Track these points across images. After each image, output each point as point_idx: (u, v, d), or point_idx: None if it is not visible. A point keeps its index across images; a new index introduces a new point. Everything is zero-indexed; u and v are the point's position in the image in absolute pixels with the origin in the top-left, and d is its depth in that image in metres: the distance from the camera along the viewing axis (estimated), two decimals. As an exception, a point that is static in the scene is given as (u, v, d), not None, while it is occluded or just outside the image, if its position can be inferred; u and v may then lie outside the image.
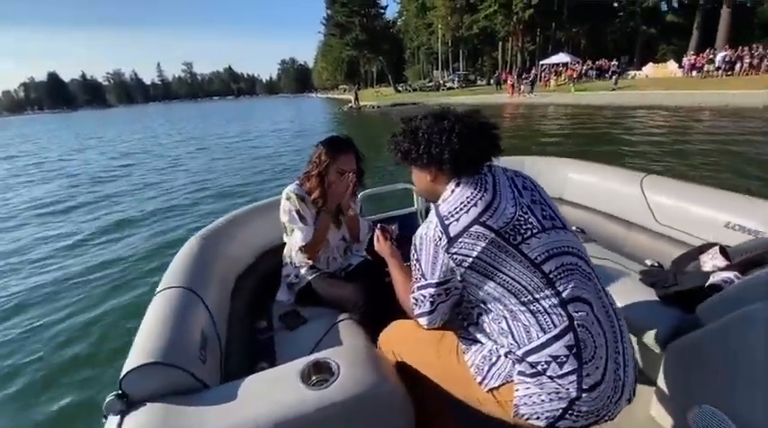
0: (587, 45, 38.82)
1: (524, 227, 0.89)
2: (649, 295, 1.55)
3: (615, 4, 34.17)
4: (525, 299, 0.87)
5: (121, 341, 2.90)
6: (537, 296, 0.87)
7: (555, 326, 0.86)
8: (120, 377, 0.93)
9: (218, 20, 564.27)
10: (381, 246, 1.27)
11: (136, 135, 23.60)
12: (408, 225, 1.58)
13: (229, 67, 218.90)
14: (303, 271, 1.72)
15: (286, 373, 1.00)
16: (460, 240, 0.88)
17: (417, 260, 0.98)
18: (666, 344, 1.32)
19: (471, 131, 0.96)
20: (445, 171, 0.98)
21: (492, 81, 34.94)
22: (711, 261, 1.56)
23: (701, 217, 1.82)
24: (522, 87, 24.49)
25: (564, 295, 0.87)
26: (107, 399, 0.91)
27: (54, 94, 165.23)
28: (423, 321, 1.04)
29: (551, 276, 0.88)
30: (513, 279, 0.88)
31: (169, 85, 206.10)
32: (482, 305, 0.96)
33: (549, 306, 0.86)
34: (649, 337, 1.41)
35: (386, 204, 2.78)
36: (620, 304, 1.44)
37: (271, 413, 0.89)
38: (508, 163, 1.12)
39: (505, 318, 0.91)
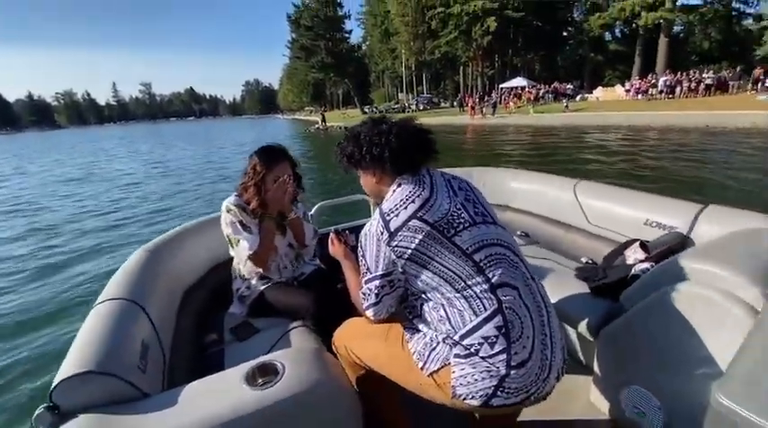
0: (541, 70, 41.30)
1: (457, 221, 0.98)
2: (583, 289, 1.69)
3: (565, 34, 36.66)
4: (459, 286, 0.95)
5: (57, 353, 2.81)
6: (469, 282, 0.95)
7: (485, 309, 0.94)
8: (51, 388, 0.90)
9: (179, 40, 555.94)
10: (336, 249, 1.29)
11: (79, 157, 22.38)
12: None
13: (191, 88, 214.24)
14: (254, 281, 1.71)
15: (230, 377, 0.98)
16: (400, 233, 0.96)
17: (363, 255, 1.05)
18: (598, 332, 1.42)
19: (408, 134, 1.05)
20: (387, 170, 1.05)
21: (455, 103, 36.14)
22: (634, 255, 1.73)
23: (626, 216, 2.01)
24: (483, 109, 25.45)
25: (493, 281, 0.96)
26: (36, 412, 0.87)
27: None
28: (370, 313, 1.10)
29: (481, 264, 0.96)
30: (447, 268, 0.96)
31: (125, 106, 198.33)
32: (423, 295, 1.03)
33: (480, 291, 0.95)
34: (583, 326, 1.51)
35: (343, 215, 2.87)
36: (557, 298, 1.56)
37: (213, 416, 0.87)
38: (457, 173, 1.17)
39: (443, 306, 0.98)
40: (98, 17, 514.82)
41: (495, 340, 0.93)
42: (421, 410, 1.20)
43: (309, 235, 1.85)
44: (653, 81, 22.56)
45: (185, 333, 1.55)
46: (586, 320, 1.51)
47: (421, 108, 38.16)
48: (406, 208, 0.99)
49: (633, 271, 1.63)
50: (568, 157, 10.77)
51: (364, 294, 1.09)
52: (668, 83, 21.11)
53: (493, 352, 0.92)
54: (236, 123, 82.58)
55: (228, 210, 1.64)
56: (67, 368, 0.94)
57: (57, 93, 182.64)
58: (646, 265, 1.62)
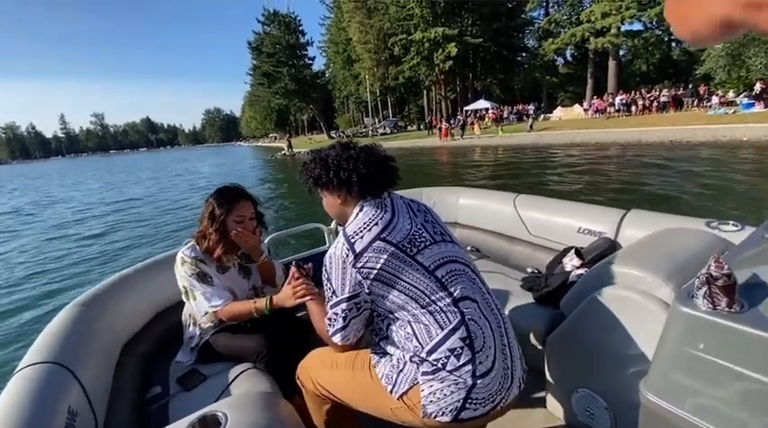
0: (500, 92, 42.98)
1: (419, 240, 1.02)
2: (528, 298, 1.76)
3: (519, 58, 38.34)
4: (424, 302, 0.98)
5: None
6: (433, 298, 0.98)
7: (450, 322, 0.96)
8: None
9: (135, 70, 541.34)
10: (299, 284, 1.26)
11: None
12: (321, 263, 1.57)
13: (147, 118, 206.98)
14: (205, 327, 1.59)
15: None
16: (365, 255, 0.97)
17: (328, 279, 1.03)
18: (545, 339, 1.45)
19: (376, 160, 1.07)
20: (353, 193, 1.06)
21: (422, 126, 36.47)
22: (570, 261, 1.79)
23: (561, 225, 2.08)
24: (452, 131, 25.50)
25: (455, 295, 0.99)
26: None
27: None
28: (337, 339, 1.06)
29: (443, 280, 1.00)
30: (412, 285, 0.98)
31: (75, 138, 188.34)
32: (389, 315, 1.02)
33: (444, 305, 0.97)
34: (531, 335, 1.55)
35: (296, 246, 2.83)
36: (508, 309, 1.64)
37: None
38: (407, 194, 1.23)
39: (410, 323, 0.99)
40: (49, 45, 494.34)
41: (460, 351, 0.95)
42: None
43: (279, 273, 1.73)
44: (610, 100, 23.52)
45: (125, 390, 1.43)
46: (534, 329, 1.55)
47: (388, 131, 38.27)
48: (369, 230, 1.00)
49: (571, 277, 1.68)
50: (546, 175, 10.61)
51: (330, 319, 1.06)
52: (624, 101, 22.07)
53: (459, 364, 0.94)
54: (198, 152, 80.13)
55: (183, 263, 1.51)
56: None
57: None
58: (581, 271, 1.67)
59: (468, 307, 0.99)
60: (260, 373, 1.48)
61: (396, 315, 1.01)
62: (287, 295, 1.35)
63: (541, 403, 1.56)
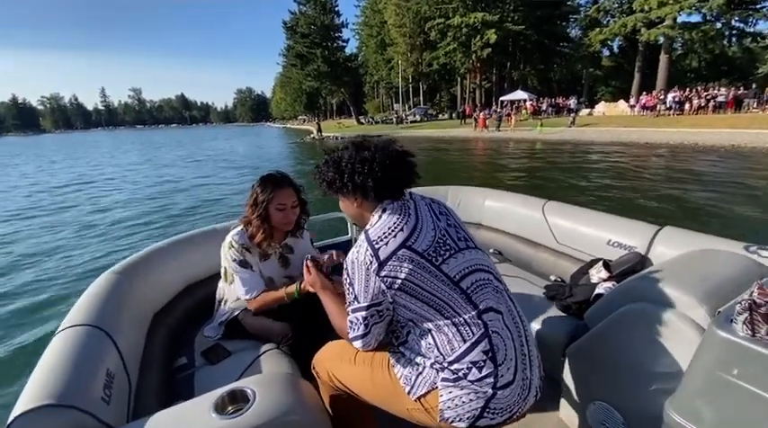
0: (537, 84, 41.17)
1: (443, 248, 0.98)
2: (551, 307, 1.77)
3: (561, 49, 36.41)
4: (448, 314, 0.94)
5: (16, 385, 2.67)
6: (457, 310, 0.94)
7: (473, 335, 0.94)
8: (7, 423, 0.86)
9: (171, 47, 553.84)
10: (312, 279, 1.25)
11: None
12: (344, 251, 1.65)
13: (182, 95, 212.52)
14: (237, 305, 1.65)
15: (198, 405, 0.95)
16: (390, 263, 0.93)
17: (350, 283, 1.00)
18: (565, 349, 1.45)
19: (392, 160, 1.01)
20: (369, 198, 1.02)
21: (454, 115, 35.46)
22: (597, 274, 1.79)
23: (590, 236, 2.07)
24: (487, 122, 24.48)
25: (480, 307, 0.96)
26: None
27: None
28: (358, 344, 1.04)
29: (468, 291, 0.96)
30: (436, 296, 0.94)
31: (114, 111, 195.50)
32: (410, 323, 1.00)
33: (469, 317, 0.94)
34: (551, 344, 1.53)
35: (320, 233, 2.76)
36: (527, 316, 1.57)
37: None
38: (432, 192, 1.34)
39: (431, 332, 0.96)
40: (89, 21, 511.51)
41: (482, 364, 0.93)
42: None
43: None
44: (661, 97, 21.98)
45: (154, 357, 1.48)
46: (555, 338, 1.53)
47: (418, 119, 37.41)
48: (395, 236, 0.96)
49: (597, 289, 1.67)
50: (585, 175, 9.83)
51: (352, 323, 1.04)
52: (677, 99, 20.53)
53: (481, 376, 0.93)
54: (229, 130, 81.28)
55: (230, 247, 1.56)
56: (25, 401, 0.89)
57: (43, 97, 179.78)
58: (608, 284, 1.67)
59: (492, 319, 0.97)
60: (283, 355, 1.50)
61: (417, 324, 0.99)
62: (315, 282, 1.47)
63: (555, 411, 1.56)
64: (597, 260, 1.88)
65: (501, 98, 32.24)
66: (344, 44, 41.66)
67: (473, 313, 0.95)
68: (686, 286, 1.18)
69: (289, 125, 76.40)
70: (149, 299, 1.69)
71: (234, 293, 1.61)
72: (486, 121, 24.23)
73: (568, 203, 2.41)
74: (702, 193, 7.88)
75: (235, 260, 1.56)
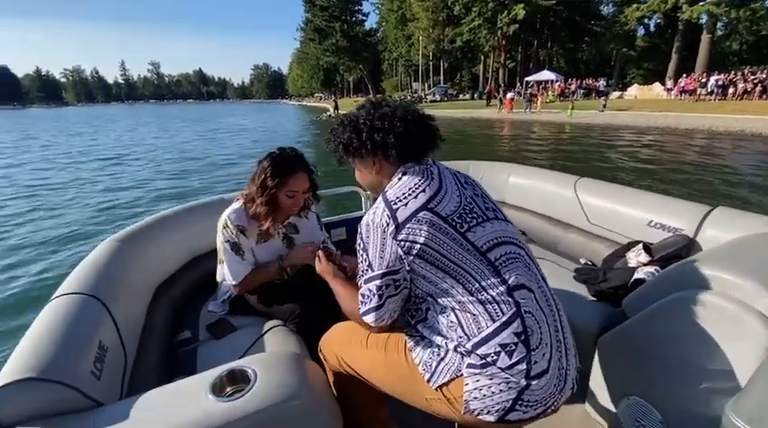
0: (563, 64, 39.28)
1: (470, 215, 0.89)
2: (582, 291, 1.63)
3: (592, 26, 34.33)
4: (473, 288, 0.85)
5: (2, 356, 2.48)
6: (484, 284, 0.85)
7: (503, 314, 0.84)
8: None
9: (190, 21, 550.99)
10: (323, 268, 1.20)
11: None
12: (356, 229, 1.52)
13: (200, 70, 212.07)
14: None
15: (195, 385, 0.89)
16: (409, 226, 0.85)
17: (364, 249, 0.91)
18: (597, 339, 1.35)
19: (414, 117, 0.94)
20: (391, 158, 0.94)
21: (476, 95, 34.18)
22: (636, 257, 1.65)
23: (628, 217, 1.89)
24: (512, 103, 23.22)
25: (510, 282, 0.86)
26: None
27: (4, 90, 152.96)
28: (370, 318, 0.95)
29: (497, 264, 0.86)
30: (460, 267, 0.85)
31: (134, 85, 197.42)
32: (429, 298, 0.91)
33: (497, 294, 0.84)
34: (582, 332, 1.38)
35: (333, 207, 2.78)
36: None
37: None
38: (453, 166, 1.07)
39: (454, 310, 0.87)
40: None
41: (513, 348, 0.83)
42: (409, 421, 1.17)
43: (318, 241, 1.64)
44: (702, 80, 20.47)
45: (155, 331, 1.42)
46: (586, 326, 1.42)
47: (438, 99, 36.21)
48: (415, 197, 0.88)
49: (636, 274, 1.53)
50: (619, 162, 9.04)
51: (364, 296, 0.94)
52: (720, 82, 19.06)
53: (512, 362, 0.82)
54: (246, 107, 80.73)
55: (225, 226, 1.43)
56: (9, 373, 0.84)
57: (65, 70, 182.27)
58: (650, 269, 1.53)
59: (525, 298, 0.86)
60: (289, 333, 1.44)
61: (437, 299, 0.89)
62: (297, 255, 1.47)
63: (580, 403, 1.46)
64: (636, 242, 1.73)
65: (527, 78, 30.74)
66: (364, 18, 40.41)
67: (502, 288, 0.84)
68: (749, 272, 1.04)
69: (305, 102, 75.73)
70: (152, 270, 1.61)
71: (224, 277, 1.50)
72: (511, 104, 22.96)
73: (604, 181, 2.22)
74: (756, 179, 7.15)
75: (227, 241, 1.44)
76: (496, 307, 0.84)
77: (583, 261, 1.98)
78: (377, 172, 0.97)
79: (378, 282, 0.90)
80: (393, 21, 45.73)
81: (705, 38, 25.49)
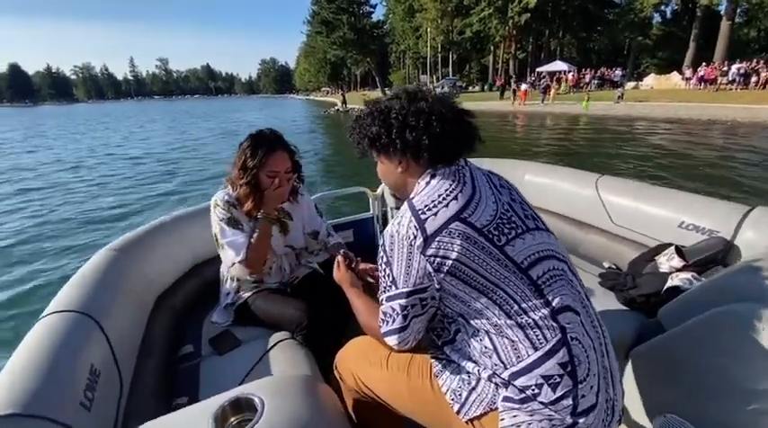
0: (575, 54, 38.36)
1: (508, 226, 0.79)
2: (609, 299, 1.56)
3: (605, 15, 33.33)
4: (512, 310, 0.75)
5: None
6: (525, 305, 0.75)
7: (546, 341, 0.74)
8: None
9: (196, 16, 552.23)
10: (341, 276, 1.12)
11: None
12: (364, 231, 1.62)
13: (207, 65, 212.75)
14: (243, 286, 1.51)
15: (195, 415, 0.80)
16: (439, 239, 0.76)
17: (388, 263, 0.82)
18: (629, 351, 1.28)
19: (453, 115, 0.84)
20: (421, 160, 0.85)
21: (486, 87, 33.59)
22: (668, 262, 1.55)
23: (656, 217, 1.78)
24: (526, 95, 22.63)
25: (554, 304, 0.76)
26: None
27: (16, 87, 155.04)
28: (392, 340, 0.86)
29: (539, 282, 0.77)
30: (497, 286, 0.76)
31: (143, 82, 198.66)
32: (460, 319, 0.82)
33: (540, 317, 0.75)
34: (613, 343, 1.21)
35: (339, 209, 2.74)
36: None
37: None
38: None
39: (488, 334, 0.78)
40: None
41: (558, 380, 0.73)
42: None
43: (322, 229, 1.65)
44: (723, 68, 19.73)
45: (155, 346, 1.33)
46: (617, 337, 1.21)
47: (447, 91, 35.62)
48: (446, 206, 0.78)
49: (670, 281, 1.43)
50: (641, 158, 8.64)
51: (386, 315, 0.85)
52: (742, 71, 18.34)
53: (556, 396, 0.72)
54: (254, 102, 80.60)
55: (215, 206, 1.42)
56: None
57: (75, 67, 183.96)
58: (685, 276, 1.43)
59: (570, 322, 0.76)
60: (298, 346, 1.36)
61: (470, 320, 0.79)
62: (269, 196, 1.40)
63: None
64: (666, 245, 1.63)
65: (538, 69, 30.06)
66: (372, 10, 39.80)
67: (545, 311, 0.74)
68: None
69: (312, 97, 75.45)
70: (152, 280, 1.53)
71: (226, 262, 1.43)
72: (526, 95, 22.27)
73: (628, 178, 2.10)
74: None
75: (222, 219, 1.39)
76: (539, 332, 0.74)
77: (606, 264, 1.86)
78: (403, 170, 0.88)
79: (402, 301, 0.81)
80: (400, 12, 45.04)
81: (724, 25, 24.56)
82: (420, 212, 0.78)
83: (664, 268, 1.54)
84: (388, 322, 0.85)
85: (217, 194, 1.44)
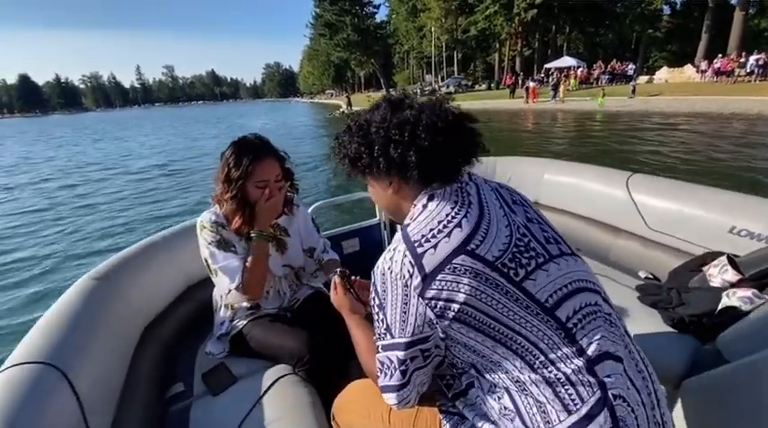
0: (582, 50, 37.73)
1: (526, 256, 0.65)
2: (651, 318, 1.37)
3: (613, 8, 32.61)
4: (537, 362, 0.61)
5: None
6: (553, 356, 0.61)
7: (582, 401, 0.59)
8: None
9: (201, 22, 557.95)
10: (339, 300, 0.95)
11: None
12: (370, 239, 1.51)
13: (212, 71, 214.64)
14: (239, 314, 1.38)
15: None
16: (440, 278, 0.62)
17: (381, 306, 0.69)
18: (681, 381, 1.12)
19: (444, 124, 0.70)
20: (411, 179, 0.71)
21: (492, 85, 33.11)
22: (720, 275, 1.35)
23: (701, 221, 1.59)
24: (538, 92, 22.13)
25: (589, 352, 0.62)
26: None
27: (26, 98, 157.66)
28: (391, 399, 0.73)
29: (569, 326, 0.63)
30: (518, 333, 0.62)
31: (149, 89, 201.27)
32: (473, 371, 0.69)
33: (573, 370, 0.60)
34: (660, 372, 1.04)
35: (344, 216, 2.59)
36: None
37: None
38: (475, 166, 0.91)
39: (509, 392, 0.65)
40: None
41: None
42: None
43: (318, 245, 1.50)
44: (741, 60, 19.04)
45: (142, 387, 1.18)
46: (665, 363, 1.15)
47: (452, 90, 35.21)
48: (448, 235, 0.64)
49: (726, 299, 1.24)
50: (668, 156, 8.14)
51: (383, 365, 0.72)
52: (761, 62, 17.67)
53: None
54: (259, 107, 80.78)
55: (202, 228, 1.28)
56: None
57: (83, 76, 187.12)
58: (744, 293, 1.22)
59: (612, 374, 0.61)
60: (300, 383, 1.23)
61: (486, 375, 0.66)
62: (262, 208, 1.26)
63: None
64: (715, 254, 1.43)
65: (546, 65, 29.51)
66: (375, 11, 39.68)
67: (579, 362, 0.61)
68: None
69: (316, 100, 75.50)
70: (139, 309, 1.38)
71: (221, 289, 1.31)
72: (537, 92, 21.80)
73: (663, 177, 1.92)
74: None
75: (212, 242, 1.26)
76: (572, 390, 0.60)
77: (643, 274, 1.67)
78: (394, 192, 0.75)
79: (400, 353, 0.67)
80: (403, 12, 44.72)
81: (738, 15, 23.79)
82: (416, 245, 0.64)
83: (715, 282, 1.33)
84: (385, 374, 0.71)
85: (202, 215, 1.31)
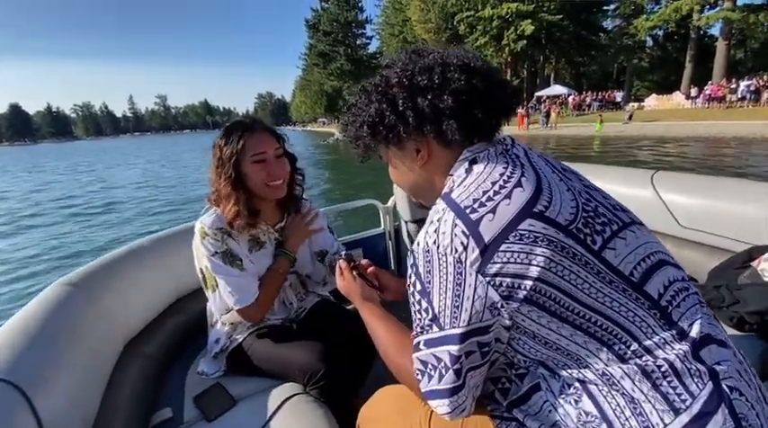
0: (570, 79, 38.90)
1: (598, 221, 0.54)
2: None
3: (598, 40, 33.81)
4: (629, 352, 0.50)
5: None
6: (648, 343, 0.50)
7: (692, 396, 0.48)
8: None
9: (194, 54, 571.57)
10: (347, 285, 0.84)
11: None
12: (374, 248, 1.35)
13: (205, 100, 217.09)
14: (239, 328, 1.22)
15: None
16: (504, 248, 0.50)
17: (424, 292, 0.56)
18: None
19: (479, 64, 0.60)
20: (448, 134, 0.58)
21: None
22: None
23: (738, 215, 1.49)
24: (525, 120, 22.39)
25: (692, 333, 0.51)
26: None
27: (15, 127, 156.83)
28: (441, 407, 0.57)
29: (663, 304, 0.52)
30: (602, 315, 0.50)
31: (141, 118, 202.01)
32: (541, 370, 0.57)
33: (675, 357, 0.49)
34: None
35: (346, 225, 2.42)
36: None
37: None
38: None
39: (589, 393, 0.52)
40: (115, 30, 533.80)
41: None
42: None
43: (332, 248, 1.35)
44: (732, 86, 19.43)
45: (120, 413, 1.00)
46: None
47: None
48: (508, 197, 0.52)
49: None
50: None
51: (426, 366, 0.57)
52: (752, 87, 18.01)
53: None
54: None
55: (204, 236, 1.10)
56: None
57: (75, 105, 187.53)
58: None
59: (722, 361, 0.50)
60: (313, 403, 1.07)
61: (560, 371, 0.54)
62: (295, 231, 1.21)
63: None
64: (762, 248, 1.33)
65: (537, 94, 30.05)
66: (368, 41, 40.51)
67: (683, 348, 0.49)
68: None
69: (309, 128, 76.20)
70: (120, 322, 1.21)
71: (218, 309, 1.15)
72: (525, 119, 22.03)
73: (689, 172, 1.85)
74: None
75: (215, 253, 1.09)
76: (676, 382, 0.48)
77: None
78: (423, 163, 0.63)
79: (453, 349, 0.53)
80: (395, 44, 45.86)
81: (721, 45, 24.68)
82: (468, 211, 0.52)
83: None
84: (431, 377, 0.56)
85: (202, 219, 1.12)
